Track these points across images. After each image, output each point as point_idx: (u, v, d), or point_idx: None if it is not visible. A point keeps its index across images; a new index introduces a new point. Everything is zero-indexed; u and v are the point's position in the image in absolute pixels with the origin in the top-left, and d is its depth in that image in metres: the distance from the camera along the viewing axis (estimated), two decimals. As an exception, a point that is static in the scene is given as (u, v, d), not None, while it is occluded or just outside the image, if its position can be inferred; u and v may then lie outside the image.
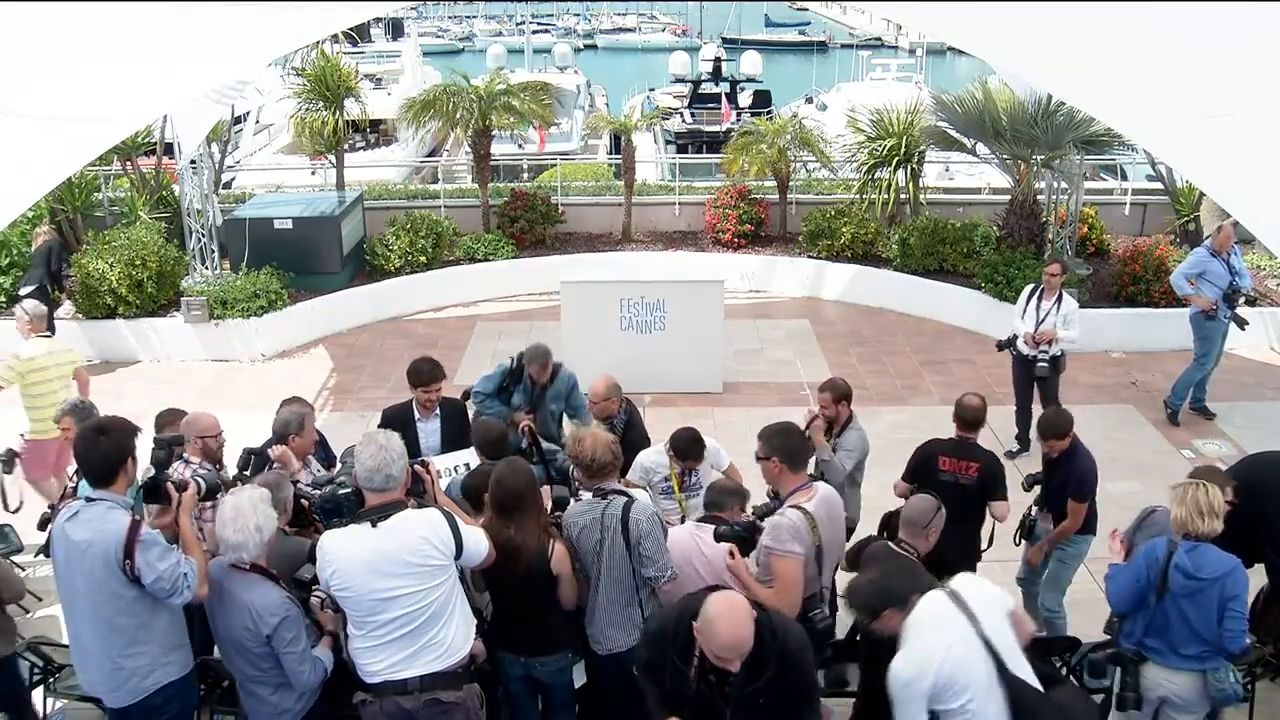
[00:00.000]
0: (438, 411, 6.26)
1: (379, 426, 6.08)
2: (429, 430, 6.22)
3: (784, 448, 4.52)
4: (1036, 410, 8.65)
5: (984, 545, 5.93)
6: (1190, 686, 4.65)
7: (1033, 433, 8.69)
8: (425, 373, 6.17)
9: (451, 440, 6.11)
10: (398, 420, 6.19)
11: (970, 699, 3.63)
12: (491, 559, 4.22)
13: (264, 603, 3.98)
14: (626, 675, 4.53)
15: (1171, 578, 4.52)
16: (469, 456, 5.57)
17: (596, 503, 4.55)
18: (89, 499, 4.10)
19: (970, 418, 5.97)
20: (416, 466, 4.25)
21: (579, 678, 4.71)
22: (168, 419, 5.65)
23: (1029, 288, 8.80)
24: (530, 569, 4.35)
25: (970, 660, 3.68)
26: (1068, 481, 5.86)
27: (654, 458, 5.71)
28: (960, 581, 3.87)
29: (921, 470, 5.99)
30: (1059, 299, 8.50)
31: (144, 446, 5.92)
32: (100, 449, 4.07)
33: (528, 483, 4.45)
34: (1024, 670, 3.79)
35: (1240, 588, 4.54)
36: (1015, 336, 8.65)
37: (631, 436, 6.19)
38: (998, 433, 8.95)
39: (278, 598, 4.02)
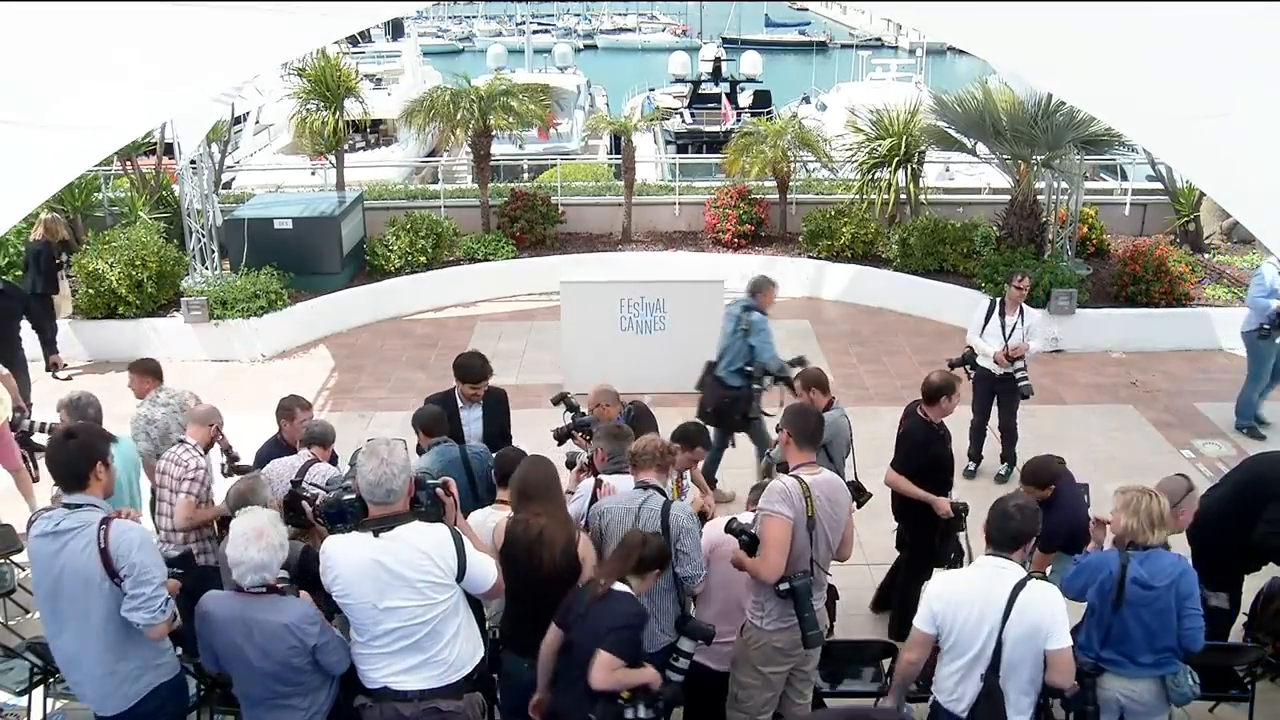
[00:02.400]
0: (481, 401, 6.34)
1: (424, 413, 6.11)
2: (471, 419, 6.31)
3: (796, 423, 4.61)
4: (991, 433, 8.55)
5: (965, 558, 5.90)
6: (1150, 692, 4.65)
7: (986, 448, 8.60)
8: (477, 369, 6.26)
9: (493, 427, 6.32)
10: (443, 408, 6.25)
11: (957, 656, 4.11)
12: (499, 592, 4.17)
13: (300, 617, 3.93)
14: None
15: (1129, 590, 4.49)
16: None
17: (636, 494, 4.57)
18: (69, 505, 4.08)
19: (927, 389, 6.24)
20: (439, 490, 4.09)
21: None
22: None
23: (987, 302, 8.40)
24: (561, 559, 4.35)
25: (970, 637, 4.04)
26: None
27: None
28: (1036, 584, 4.03)
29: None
30: (1021, 311, 8.14)
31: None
32: (66, 451, 4.08)
33: (551, 475, 4.50)
34: (1017, 694, 4.03)
35: (1193, 586, 4.54)
36: (973, 354, 8.06)
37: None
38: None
39: (307, 607, 3.99)
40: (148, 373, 6.69)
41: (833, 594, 5.31)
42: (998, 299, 8.34)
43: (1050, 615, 4.00)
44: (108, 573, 3.95)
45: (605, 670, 4.03)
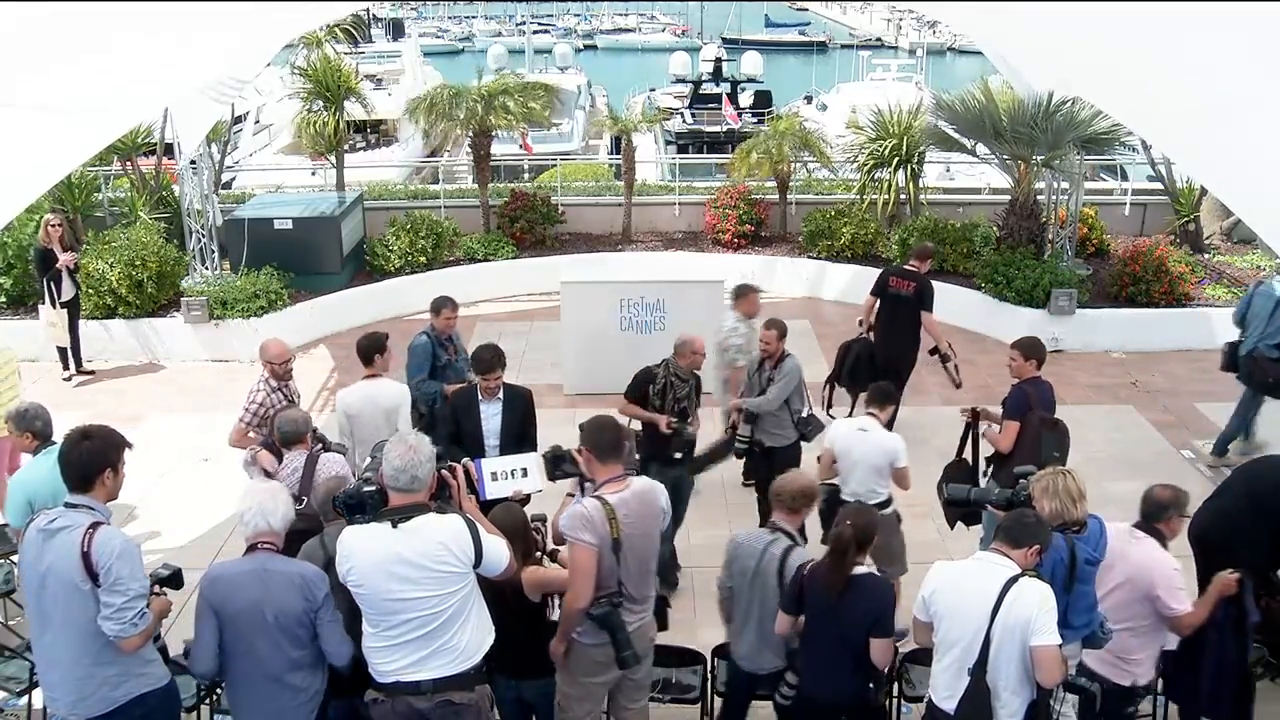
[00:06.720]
0: (500, 395, 6.30)
1: (446, 407, 6.14)
2: (490, 413, 6.26)
3: (594, 439, 4.54)
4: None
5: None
6: (1077, 648, 4.80)
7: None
8: (486, 360, 6.23)
9: (513, 426, 6.24)
10: (462, 401, 6.28)
11: (947, 650, 4.19)
12: (513, 570, 4.20)
13: (311, 572, 4.04)
14: (756, 689, 5.03)
15: (1081, 570, 4.63)
16: (527, 462, 5.49)
17: (764, 535, 4.86)
18: (69, 504, 4.07)
19: (920, 251, 8.83)
20: (444, 472, 4.17)
21: None
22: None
23: None
24: (516, 606, 4.44)
25: (959, 630, 4.12)
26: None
27: None
28: (1028, 580, 4.04)
29: (880, 285, 8.69)
30: None
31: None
32: (77, 452, 4.07)
33: (512, 528, 4.43)
34: (1007, 694, 4.03)
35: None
36: None
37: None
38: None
39: (319, 569, 4.07)
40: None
41: (662, 602, 5.13)
42: None
43: (1038, 611, 3.98)
44: (89, 575, 3.93)
45: (888, 651, 4.52)
